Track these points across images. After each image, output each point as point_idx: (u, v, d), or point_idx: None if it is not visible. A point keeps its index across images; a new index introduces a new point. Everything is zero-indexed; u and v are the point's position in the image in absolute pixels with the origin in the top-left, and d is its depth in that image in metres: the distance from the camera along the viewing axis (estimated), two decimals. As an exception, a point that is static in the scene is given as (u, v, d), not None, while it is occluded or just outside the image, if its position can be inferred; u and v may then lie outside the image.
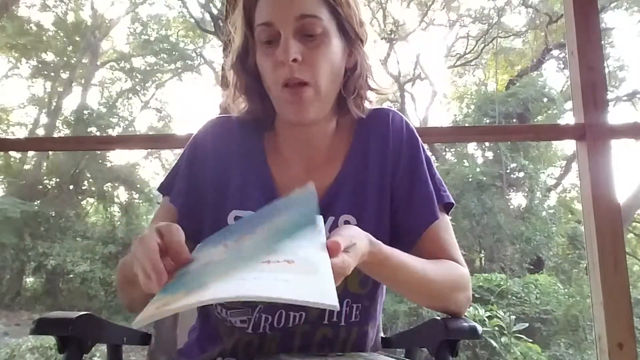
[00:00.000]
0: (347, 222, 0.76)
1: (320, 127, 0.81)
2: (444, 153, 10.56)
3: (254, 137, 0.83)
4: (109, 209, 11.34)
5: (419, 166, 0.80)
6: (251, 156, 0.81)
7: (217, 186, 0.79)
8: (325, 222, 0.74)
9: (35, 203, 9.99)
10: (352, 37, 0.76)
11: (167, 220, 0.77)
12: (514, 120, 9.11)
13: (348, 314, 0.76)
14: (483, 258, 9.24)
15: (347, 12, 0.74)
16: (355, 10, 0.76)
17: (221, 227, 0.71)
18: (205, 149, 0.83)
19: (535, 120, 9.38)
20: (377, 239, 0.64)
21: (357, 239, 0.59)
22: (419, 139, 0.83)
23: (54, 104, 12.48)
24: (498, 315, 4.81)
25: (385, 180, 0.79)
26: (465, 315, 0.76)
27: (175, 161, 0.87)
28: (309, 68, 0.71)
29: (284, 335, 0.75)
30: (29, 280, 9.99)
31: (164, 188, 0.84)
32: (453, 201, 0.81)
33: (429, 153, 0.84)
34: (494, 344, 4.67)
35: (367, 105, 0.83)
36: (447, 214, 0.81)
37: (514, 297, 6.38)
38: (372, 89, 0.82)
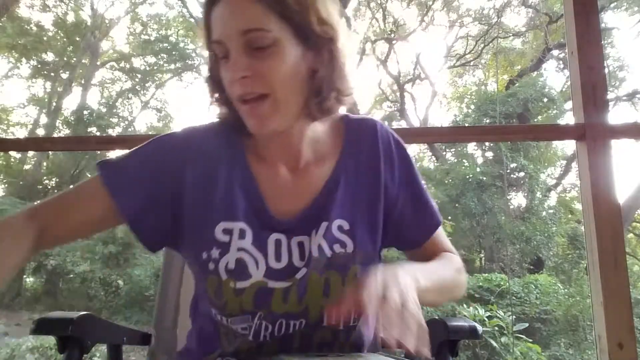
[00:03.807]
0: (340, 227, 0.75)
1: (295, 131, 0.77)
2: (444, 153, 10.57)
3: (235, 144, 0.80)
4: (109, 209, 11.32)
5: (415, 176, 0.83)
6: (233, 165, 0.78)
7: (199, 197, 0.75)
8: (318, 229, 0.74)
9: (35, 203, 9.98)
10: (313, 39, 0.72)
11: (95, 209, 0.73)
12: (514, 120, 9.13)
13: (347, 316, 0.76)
14: (483, 258, 9.26)
15: (301, 17, 0.69)
16: (311, 11, 0.70)
17: (208, 239, 0.71)
18: (185, 158, 0.77)
19: (535, 120, 9.40)
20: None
21: (404, 286, 0.61)
22: (406, 148, 0.85)
23: (54, 104, 12.50)
24: (498, 315, 4.80)
25: (378, 188, 0.79)
26: (465, 315, 0.77)
27: (129, 154, 0.77)
28: (262, 80, 0.68)
29: (284, 339, 0.75)
30: (29, 280, 10.00)
31: (110, 179, 0.74)
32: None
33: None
34: (494, 344, 4.67)
35: (338, 106, 0.77)
36: None
37: (514, 297, 6.38)
38: (338, 90, 0.75)
